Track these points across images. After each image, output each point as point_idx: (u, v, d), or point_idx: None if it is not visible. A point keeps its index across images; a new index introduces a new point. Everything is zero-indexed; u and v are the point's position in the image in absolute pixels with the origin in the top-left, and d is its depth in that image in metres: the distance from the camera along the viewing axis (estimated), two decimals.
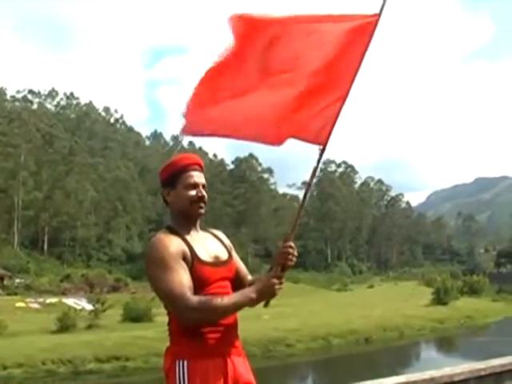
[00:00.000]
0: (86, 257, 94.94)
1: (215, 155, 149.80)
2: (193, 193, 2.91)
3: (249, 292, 2.77)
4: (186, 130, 3.01)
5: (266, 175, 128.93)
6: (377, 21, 2.94)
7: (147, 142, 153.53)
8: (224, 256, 2.98)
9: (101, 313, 31.41)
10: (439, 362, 25.94)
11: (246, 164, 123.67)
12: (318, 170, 3.01)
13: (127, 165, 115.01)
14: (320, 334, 27.22)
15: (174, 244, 2.81)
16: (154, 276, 2.78)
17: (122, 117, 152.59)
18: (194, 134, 3.13)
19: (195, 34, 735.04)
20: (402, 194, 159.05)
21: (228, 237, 3.14)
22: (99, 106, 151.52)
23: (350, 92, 2.94)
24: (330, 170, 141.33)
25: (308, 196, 3.13)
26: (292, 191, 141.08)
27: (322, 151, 2.96)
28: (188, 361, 2.76)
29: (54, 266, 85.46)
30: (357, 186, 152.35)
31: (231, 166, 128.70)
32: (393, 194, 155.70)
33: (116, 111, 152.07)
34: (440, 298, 37.93)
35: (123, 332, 26.35)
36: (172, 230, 2.90)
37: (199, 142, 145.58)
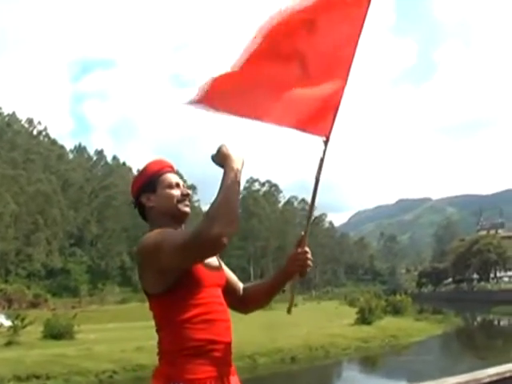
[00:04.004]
0: (4, 271, 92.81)
1: (139, 171, 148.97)
2: (177, 192, 2.78)
3: (226, 171, 2.55)
4: (200, 101, 2.76)
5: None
6: (368, 4, 2.89)
7: (71, 156, 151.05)
8: (215, 262, 2.80)
9: (20, 329, 30.51)
10: (364, 381, 26.09)
11: None
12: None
13: (49, 178, 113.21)
14: (246, 353, 26.95)
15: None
16: (157, 257, 2.50)
17: (45, 129, 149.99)
18: (207, 107, 2.81)
19: (123, 48, 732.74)
20: (325, 214, 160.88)
21: None
22: (22, 117, 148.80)
23: (348, 80, 2.89)
24: (253, 188, 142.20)
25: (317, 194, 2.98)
26: None
27: (326, 143, 2.88)
28: None
29: None
30: (280, 205, 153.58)
31: None
32: (316, 213, 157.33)
33: (39, 123, 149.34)
34: (364, 318, 38.12)
35: (44, 349, 25.59)
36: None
37: (123, 157, 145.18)
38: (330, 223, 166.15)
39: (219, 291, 2.72)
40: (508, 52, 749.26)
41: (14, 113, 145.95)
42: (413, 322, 43.07)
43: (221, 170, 2.58)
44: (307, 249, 2.84)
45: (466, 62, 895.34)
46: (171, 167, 2.88)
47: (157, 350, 2.65)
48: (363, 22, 2.87)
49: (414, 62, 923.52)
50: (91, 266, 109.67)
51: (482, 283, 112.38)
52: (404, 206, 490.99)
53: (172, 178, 2.82)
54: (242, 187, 2.72)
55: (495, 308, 65.33)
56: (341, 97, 2.88)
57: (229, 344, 2.65)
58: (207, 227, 2.36)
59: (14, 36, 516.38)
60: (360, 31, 2.87)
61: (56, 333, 30.76)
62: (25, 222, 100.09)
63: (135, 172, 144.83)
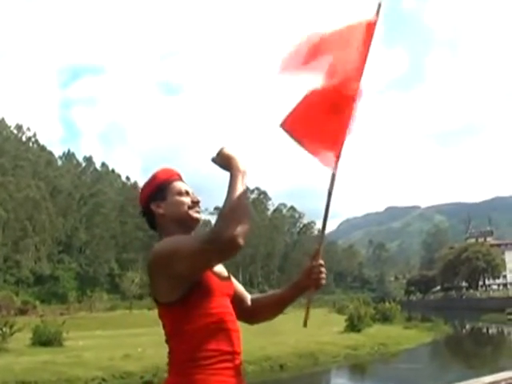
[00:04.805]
0: None
1: (128, 178, 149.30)
2: (188, 199, 2.76)
3: (233, 172, 2.56)
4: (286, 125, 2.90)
5: None
6: (375, 24, 2.90)
7: (59, 162, 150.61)
8: (225, 272, 2.77)
9: (9, 336, 30.33)
10: None
11: None
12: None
13: (38, 184, 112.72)
14: None
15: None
16: (172, 264, 2.47)
17: (34, 135, 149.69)
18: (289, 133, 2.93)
19: (112, 55, 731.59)
20: (314, 222, 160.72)
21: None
22: (11, 123, 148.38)
23: (358, 99, 2.94)
24: None
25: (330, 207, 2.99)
26: (204, 216, 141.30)
27: (337, 161, 2.91)
28: None
29: None
30: (269, 212, 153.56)
31: None
32: (305, 221, 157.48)
33: (29, 129, 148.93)
34: (353, 325, 38.00)
35: (33, 356, 25.43)
36: None
37: (112, 163, 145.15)
38: (319, 231, 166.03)
39: (228, 301, 2.69)
40: (496, 60, 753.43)
41: (3, 119, 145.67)
42: (402, 329, 43.00)
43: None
44: (322, 262, 2.84)
45: (455, 69, 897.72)
46: (179, 176, 2.86)
47: (167, 360, 2.61)
48: (369, 50, 2.90)
49: (402, 70, 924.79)
50: (80, 272, 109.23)
51: (471, 291, 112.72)
52: (393, 213, 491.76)
53: (181, 185, 2.80)
54: None
55: (484, 316, 65.39)
56: (352, 114, 2.91)
57: (239, 354, 2.63)
58: (223, 228, 2.35)
59: (2, 42, 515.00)
60: (366, 57, 2.90)
61: (45, 340, 30.61)
62: (13, 229, 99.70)
63: (124, 179, 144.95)
